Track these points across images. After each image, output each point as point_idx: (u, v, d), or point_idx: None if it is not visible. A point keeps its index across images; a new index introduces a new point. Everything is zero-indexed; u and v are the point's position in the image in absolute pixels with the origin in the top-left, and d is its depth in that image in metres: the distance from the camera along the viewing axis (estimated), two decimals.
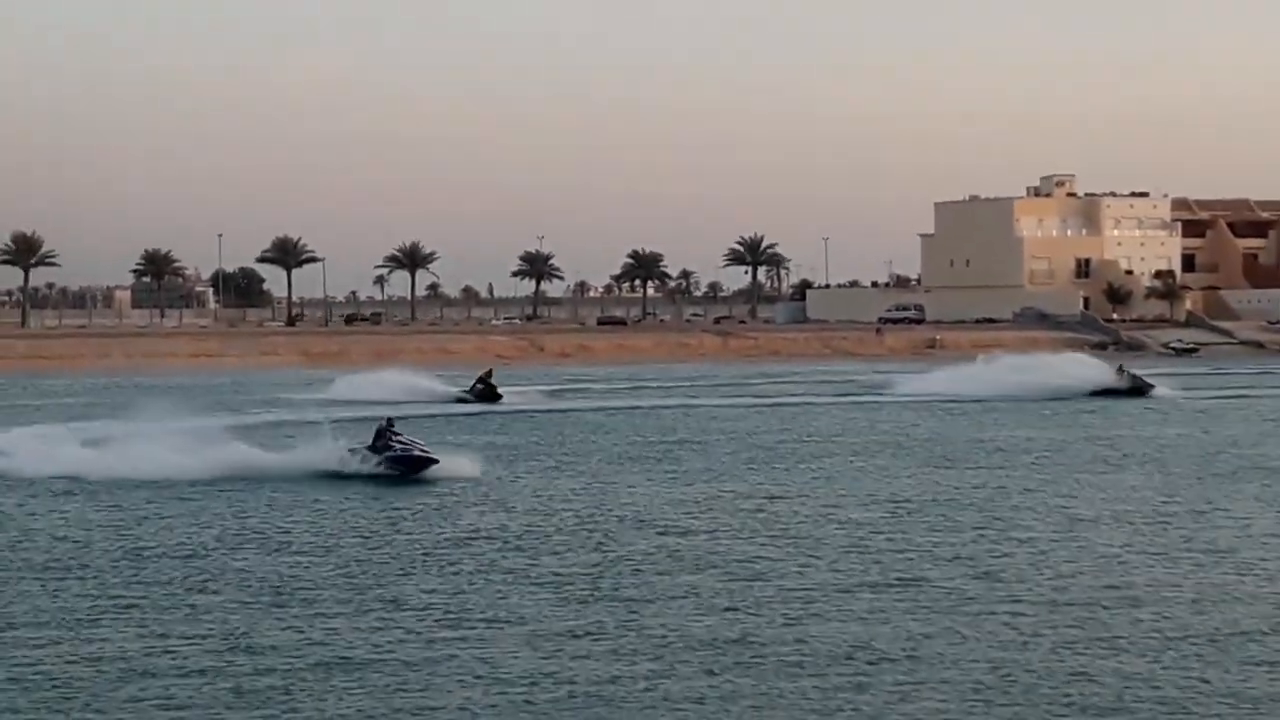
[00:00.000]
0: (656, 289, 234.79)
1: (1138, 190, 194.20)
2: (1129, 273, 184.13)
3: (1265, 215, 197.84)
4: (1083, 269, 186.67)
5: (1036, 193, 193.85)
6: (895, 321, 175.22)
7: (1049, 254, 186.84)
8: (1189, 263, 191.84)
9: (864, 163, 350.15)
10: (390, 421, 51.36)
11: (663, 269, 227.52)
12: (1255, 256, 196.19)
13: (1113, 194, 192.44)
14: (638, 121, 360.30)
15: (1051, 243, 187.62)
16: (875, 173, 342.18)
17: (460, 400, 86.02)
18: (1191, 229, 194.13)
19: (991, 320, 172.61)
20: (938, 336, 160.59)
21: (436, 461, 49.09)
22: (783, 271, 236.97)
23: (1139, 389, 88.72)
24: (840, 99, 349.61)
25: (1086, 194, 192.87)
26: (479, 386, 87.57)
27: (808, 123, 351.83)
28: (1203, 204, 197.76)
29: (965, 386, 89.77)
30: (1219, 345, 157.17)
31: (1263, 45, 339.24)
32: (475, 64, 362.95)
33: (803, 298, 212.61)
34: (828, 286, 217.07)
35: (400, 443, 49.75)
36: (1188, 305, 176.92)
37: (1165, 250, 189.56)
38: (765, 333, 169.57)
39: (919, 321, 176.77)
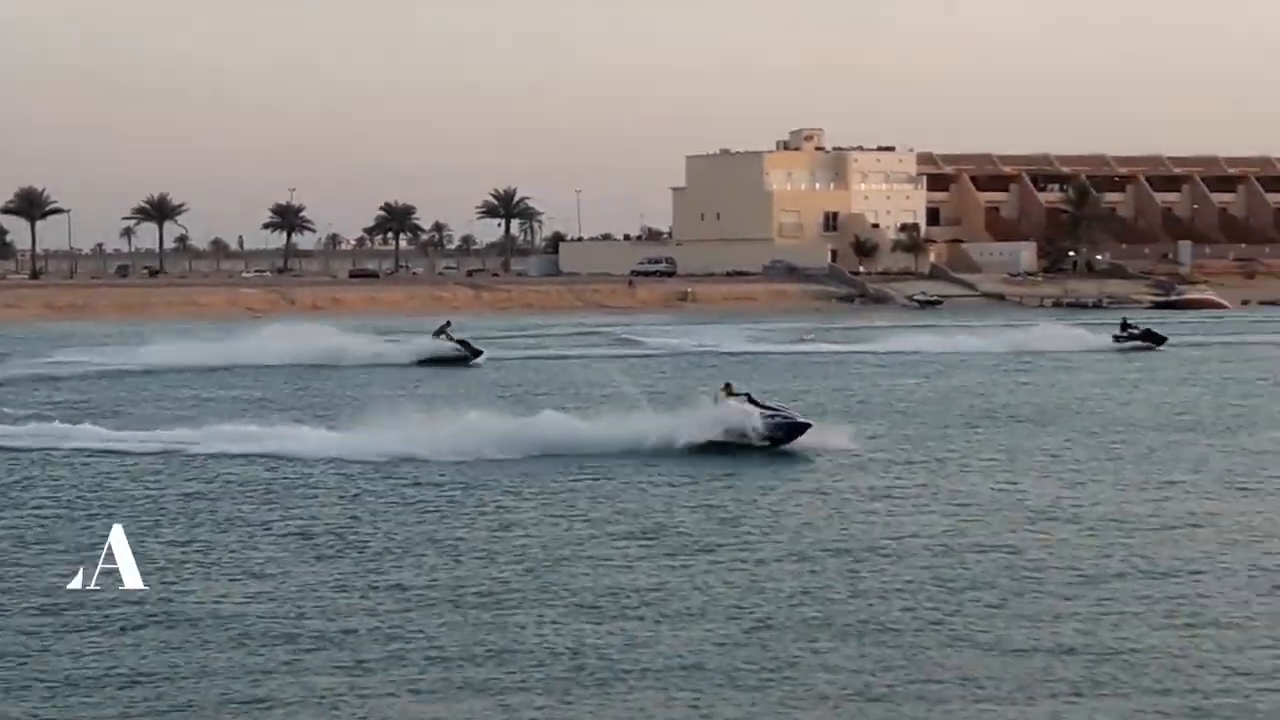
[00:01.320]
0: (409, 242, 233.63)
1: (884, 145, 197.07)
2: (875, 226, 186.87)
3: (1007, 169, 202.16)
4: (830, 222, 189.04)
5: (786, 146, 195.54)
6: (647, 274, 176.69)
7: (798, 207, 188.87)
8: (934, 216, 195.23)
9: (617, 116, 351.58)
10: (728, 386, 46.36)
11: (415, 221, 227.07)
12: (997, 210, 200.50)
13: (860, 148, 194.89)
14: (389, 72, 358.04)
15: (800, 196, 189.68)
16: (628, 126, 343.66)
17: (458, 357, 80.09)
18: (936, 183, 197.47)
19: (742, 273, 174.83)
20: (689, 289, 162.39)
21: (810, 426, 44.61)
22: (536, 224, 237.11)
23: (1155, 341, 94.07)
24: (593, 52, 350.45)
25: (835, 148, 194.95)
26: (452, 340, 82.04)
27: (561, 76, 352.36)
28: (947, 158, 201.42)
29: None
30: (962, 297, 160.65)
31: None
32: (217, 9, 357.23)
33: (555, 251, 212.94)
34: (580, 239, 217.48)
35: (770, 406, 45.26)
36: (932, 258, 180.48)
37: (910, 204, 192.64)
38: (518, 285, 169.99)
39: (670, 274, 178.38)
